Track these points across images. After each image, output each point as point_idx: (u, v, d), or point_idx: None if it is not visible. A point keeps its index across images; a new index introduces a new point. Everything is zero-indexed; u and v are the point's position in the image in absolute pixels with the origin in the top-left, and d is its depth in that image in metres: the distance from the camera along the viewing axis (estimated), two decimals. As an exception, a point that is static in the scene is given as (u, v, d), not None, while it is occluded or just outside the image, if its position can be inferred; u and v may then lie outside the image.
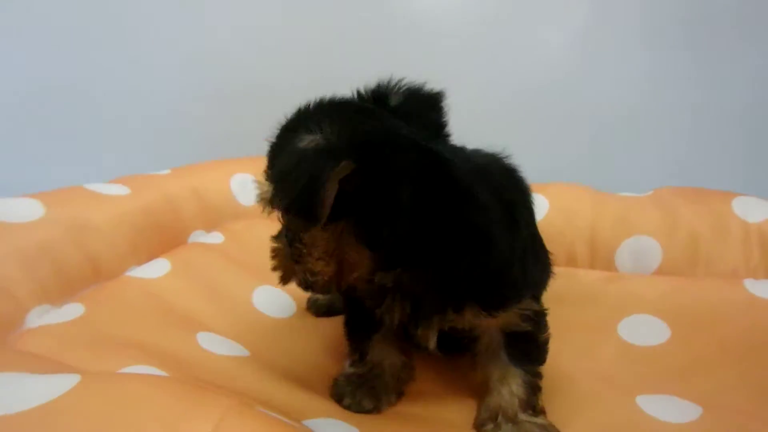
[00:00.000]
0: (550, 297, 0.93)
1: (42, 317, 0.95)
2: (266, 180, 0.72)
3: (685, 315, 1.12)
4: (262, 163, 0.75)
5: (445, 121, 0.83)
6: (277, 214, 0.74)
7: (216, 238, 1.34)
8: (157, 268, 1.16)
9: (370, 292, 0.79)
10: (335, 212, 0.64)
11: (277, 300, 1.17)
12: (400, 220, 0.68)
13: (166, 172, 1.41)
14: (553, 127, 1.77)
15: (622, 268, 1.30)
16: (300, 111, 0.74)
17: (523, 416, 0.83)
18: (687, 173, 1.64)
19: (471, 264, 0.73)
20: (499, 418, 0.83)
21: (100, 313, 0.98)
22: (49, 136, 1.87)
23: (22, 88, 1.83)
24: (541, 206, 1.34)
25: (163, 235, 1.27)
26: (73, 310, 0.97)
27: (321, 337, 1.08)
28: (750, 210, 1.26)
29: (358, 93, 0.80)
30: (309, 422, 0.80)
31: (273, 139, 0.74)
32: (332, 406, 0.89)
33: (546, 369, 0.87)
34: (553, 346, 0.88)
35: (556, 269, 0.99)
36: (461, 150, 0.83)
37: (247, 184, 1.45)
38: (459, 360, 0.94)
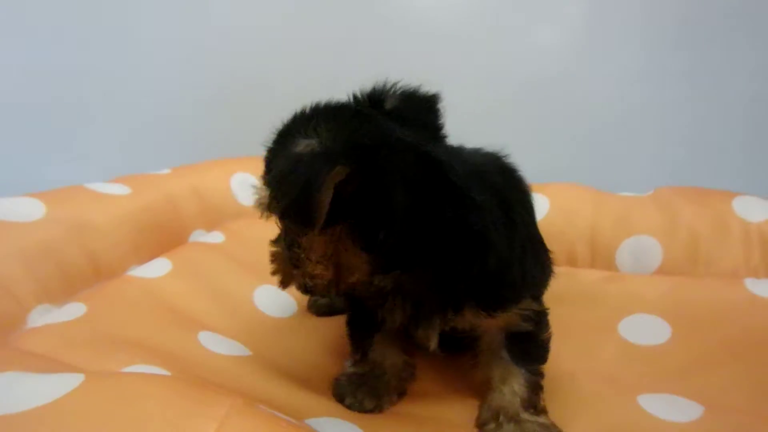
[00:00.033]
0: (550, 297, 0.93)
1: (43, 316, 0.96)
2: (263, 185, 0.72)
3: (685, 314, 1.12)
4: (262, 162, 0.75)
5: (441, 123, 0.83)
6: (275, 219, 0.75)
7: (216, 237, 1.34)
8: (158, 268, 1.16)
9: (370, 294, 0.79)
10: (332, 216, 0.64)
11: (278, 299, 1.17)
12: (395, 223, 0.67)
13: (167, 171, 1.42)
14: (549, 126, 1.77)
15: (622, 267, 1.30)
16: (296, 115, 0.74)
17: (524, 415, 0.83)
18: (684, 172, 1.64)
19: (468, 265, 0.73)
20: (501, 418, 0.83)
21: (101, 312, 0.98)
22: (49, 136, 1.87)
23: (22, 88, 1.82)
24: (542, 206, 1.34)
25: (163, 235, 1.27)
26: (74, 310, 0.97)
27: (321, 336, 1.08)
28: (750, 209, 1.26)
29: (354, 96, 0.79)
30: (311, 421, 0.80)
31: (270, 144, 0.74)
32: (333, 406, 0.89)
33: (547, 368, 0.87)
34: (553, 346, 0.88)
35: (557, 269, 0.99)
36: (459, 151, 0.83)
37: (247, 183, 1.45)
38: (460, 359, 0.94)
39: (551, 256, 0.96)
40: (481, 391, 0.89)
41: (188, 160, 1.51)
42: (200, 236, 1.36)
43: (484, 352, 0.87)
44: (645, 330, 1.10)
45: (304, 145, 0.66)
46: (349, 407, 0.89)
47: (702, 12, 1.62)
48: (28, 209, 1.07)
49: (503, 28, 1.72)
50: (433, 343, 0.82)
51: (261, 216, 0.74)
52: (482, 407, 0.87)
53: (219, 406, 0.57)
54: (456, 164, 0.72)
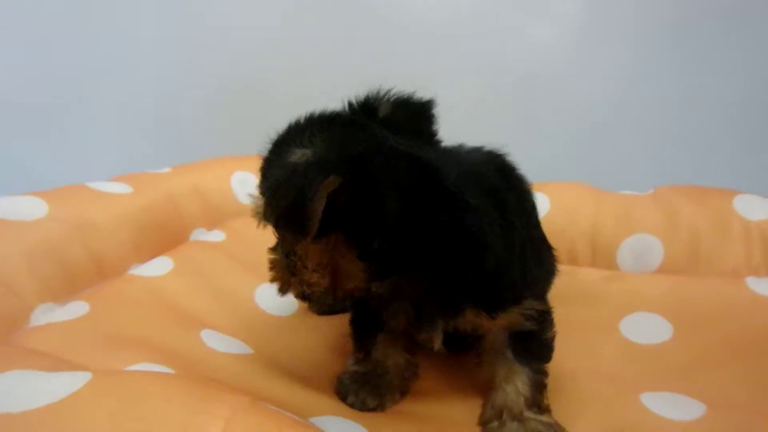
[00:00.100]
0: (551, 296, 0.93)
1: (46, 315, 0.96)
2: (260, 193, 0.73)
3: (686, 313, 1.12)
4: (259, 171, 0.76)
5: (435, 129, 0.83)
6: (271, 227, 0.75)
7: (217, 236, 1.34)
8: (160, 266, 1.16)
9: (372, 298, 0.80)
10: (326, 225, 0.65)
11: (279, 298, 1.15)
12: (389, 231, 0.68)
13: (167, 170, 1.41)
14: (549, 125, 1.78)
15: (623, 266, 1.30)
16: (291, 126, 0.74)
17: (528, 414, 0.83)
18: (684, 171, 1.64)
19: (465, 268, 0.73)
20: (504, 416, 0.83)
21: (104, 311, 0.98)
22: (49, 136, 1.87)
23: (22, 88, 1.82)
24: (542, 204, 1.34)
25: (164, 234, 1.27)
26: (77, 308, 0.97)
27: (322, 335, 1.08)
28: (751, 208, 1.26)
29: (349, 104, 0.79)
30: (313, 420, 0.80)
31: (265, 154, 0.75)
32: (336, 404, 0.89)
33: (549, 367, 0.87)
34: (555, 345, 0.88)
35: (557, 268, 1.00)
36: (455, 152, 0.83)
37: (247, 182, 1.45)
38: (463, 358, 0.94)
39: (555, 254, 0.96)
40: (484, 389, 0.89)
41: (188, 160, 1.51)
42: (201, 235, 1.36)
43: (488, 351, 0.87)
44: (646, 329, 1.10)
45: (298, 155, 0.66)
46: (352, 406, 0.89)
47: (702, 11, 1.62)
48: (30, 208, 1.07)
49: (502, 27, 1.72)
50: (437, 344, 0.82)
51: (258, 225, 0.75)
52: (485, 406, 0.87)
53: (225, 404, 0.57)
54: (449, 168, 0.72)
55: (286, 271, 0.77)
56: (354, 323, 0.95)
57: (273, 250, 0.82)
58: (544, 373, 0.86)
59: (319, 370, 0.98)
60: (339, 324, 1.05)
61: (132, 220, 1.19)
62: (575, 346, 1.02)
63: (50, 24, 1.78)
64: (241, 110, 1.83)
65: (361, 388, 0.90)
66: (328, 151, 0.67)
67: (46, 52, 1.80)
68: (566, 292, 1.10)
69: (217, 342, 0.97)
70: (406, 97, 0.81)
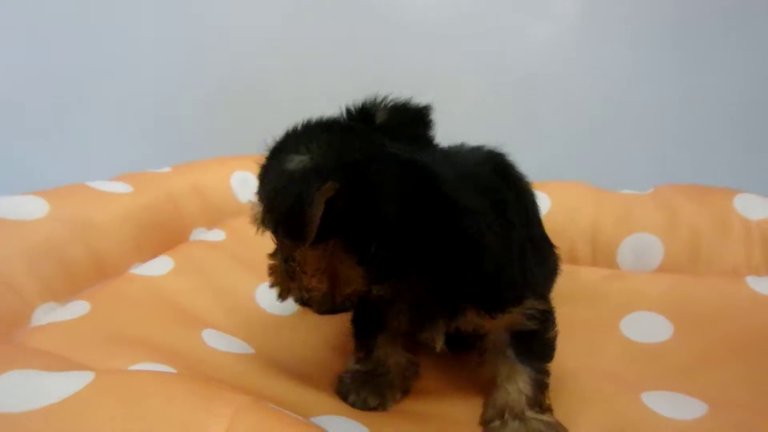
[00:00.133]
0: (552, 295, 0.93)
1: (48, 315, 0.95)
2: (258, 200, 0.74)
3: (687, 312, 1.12)
4: (263, 157, 0.77)
5: (432, 135, 0.84)
6: (270, 234, 0.76)
7: (217, 235, 1.34)
8: (161, 266, 1.16)
9: (373, 299, 0.80)
10: (324, 231, 0.65)
11: (279, 298, 1.16)
12: (386, 236, 0.69)
13: (167, 169, 1.41)
14: (548, 124, 1.78)
15: (623, 265, 1.31)
16: (288, 132, 0.75)
17: (529, 413, 0.83)
18: (683, 171, 1.64)
19: (464, 270, 0.74)
20: (506, 415, 0.83)
21: (105, 310, 0.98)
22: (49, 136, 1.87)
23: (22, 87, 1.82)
24: (543, 204, 1.34)
25: (165, 233, 1.27)
26: (78, 308, 0.97)
27: (323, 334, 1.08)
28: (751, 207, 1.26)
29: (346, 110, 0.80)
30: (315, 419, 0.80)
31: (263, 161, 0.76)
32: (337, 403, 0.89)
33: (550, 367, 0.87)
34: (557, 344, 0.88)
35: (558, 267, 1.00)
36: (453, 153, 0.84)
37: (247, 181, 1.45)
38: (465, 357, 0.94)
39: (557, 250, 0.96)
40: (485, 389, 0.89)
41: (188, 159, 1.51)
42: (201, 234, 1.36)
43: (490, 351, 0.86)
44: (647, 328, 1.10)
45: (296, 162, 0.67)
46: (353, 405, 0.89)
47: (702, 11, 1.62)
48: (31, 208, 1.06)
49: (502, 27, 1.72)
50: (439, 345, 0.82)
51: (257, 231, 0.76)
52: (487, 405, 0.87)
53: (229, 403, 0.57)
54: (446, 171, 0.73)
55: (286, 277, 0.78)
56: (355, 322, 0.95)
57: (272, 255, 0.83)
58: (546, 373, 0.86)
59: (320, 369, 0.98)
60: (340, 323, 1.05)
61: (132, 219, 1.19)
62: (576, 346, 1.02)
63: (50, 24, 1.78)
64: (241, 110, 1.83)
65: (362, 387, 0.90)
66: (326, 158, 0.67)
67: (46, 52, 1.80)
68: (567, 292, 1.10)
69: (218, 341, 0.97)
70: (403, 102, 0.81)
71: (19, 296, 0.94)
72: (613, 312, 1.15)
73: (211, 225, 1.40)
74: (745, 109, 1.68)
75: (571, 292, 1.16)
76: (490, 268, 0.74)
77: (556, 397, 0.87)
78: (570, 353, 0.96)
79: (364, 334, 0.93)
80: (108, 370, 0.68)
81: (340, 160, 0.67)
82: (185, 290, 1.10)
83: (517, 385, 0.84)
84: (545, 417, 0.83)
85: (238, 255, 1.25)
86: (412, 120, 0.81)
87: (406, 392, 0.94)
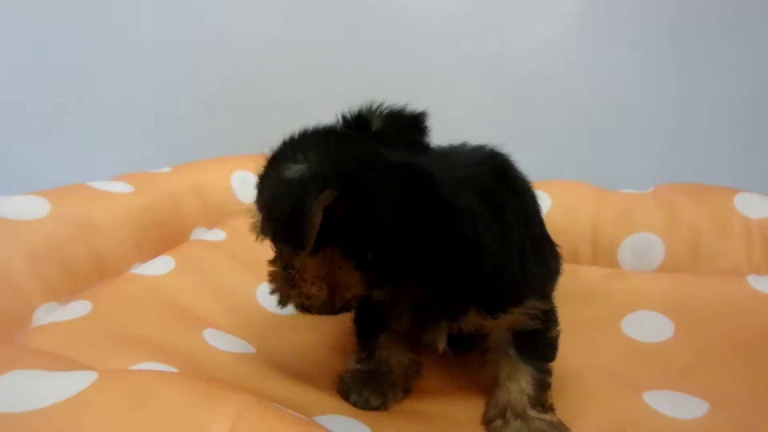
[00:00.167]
0: (553, 294, 0.93)
1: (49, 314, 0.96)
2: (257, 209, 0.75)
3: (688, 311, 1.12)
4: (262, 160, 0.77)
5: (428, 141, 0.84)
6: (269, 242, 0.77)
7: (218, 235, 1.34)
8: (161, 265, 1.16)
9: (375, 303, 0.81)
10: (323, 238, 0.66)
11: (281, 298, 1.16)
12: (384, 241, 0.69)
13: (167, 169, 1.41)
14: (548, 124, 1.77)
15: (624, 264, 1.31)
16: (286, 142, 0.76)
17: (531, 413, 0.83)
18: (683, 170, 1.64)
19: (463, 273, 0.74)
20: (508, 415, 0.83)
21: (106, 310, 0.98)
22: (50, 135, 1.87)
23: (22, 87, 1.82)
24: (544, 203, 1.34)
25: (165, 233, 1.27)
26: (79, 308, 0.97)
27: (324, 333, 1.08)
28: (752, 206, 1.26)
29: (342, 118, 0.81)
30: (317, 419, 0.80)
31: (261, 170, 0.76)
32: (338, 403, 0.89)
33: (552, 366, 0.87)
34: (558, 344, 0.88)
35: (559, 266, 1.00)
36: (451, 155, 0.84)
37: (247, 181, 1.45)
38: (467, 357, 0.94)
39: (559, 249, 0.96)
40: (487, 388, 0.89)
41: (188, 160, 1.51)
42: (201, 234, 1.36)
43: (492, 350, 0.86)
44: (648, 327, 1.10)
45: (294, 170, 0.68)
46: (354, 405, 0.89)
47: (702, 11, 1.62)
48: (32, 207, 1.06)
49: (502, 27, 1.72)
50: (442, 346, 0.82)
51: (256, 239, 0.77)
52: (489, 404, 0.87)
53: (232, 403, 0.58)
54: (442, 175, 0.73)
55: (286, 284, 0.79)
56: (357, 322, 0.95)
57: (272, 262, 0.83)
58: (548, 372, 0.86)
59: (321, 368, 0.98)
60: (340, 323, 1.05)
61: (133, 219, 1.19)
62: (577, 345, 1.02)
63: (50, 24, 1.78)
64: (241, 110, 1.83)
65: (364, 386, 0.90)
66: (323, 166, 0.68)
67: (46, 52, 1.80)
68: (567, 291, 1.10)
69: (219, 341, 0.97)
70: (398, 109, 0.82)
71: (20, 296, 0.94)
72: (614, 311, 1.15)
73: (211, 225, 1.40)
74: (745, 109, 1.68)
75: (572, 292, 1.15)
76: (489, 269, 0.74)
77: (558, 396, 0.88)
78: (571, 352, 0.97)
79: (366, 334, 0.94)
80: (111, 370, 0.68)
81: (337, 167, 0.68)
82: (186, 290, 1.10)
83: (519, 385, 0.84)
84: (547, 416, 0.84)
85: (239, 255, 1.25)
86: (407, 127, 0.82)
87: (407, 392, 0.94)
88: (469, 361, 0.94)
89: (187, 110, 1.85)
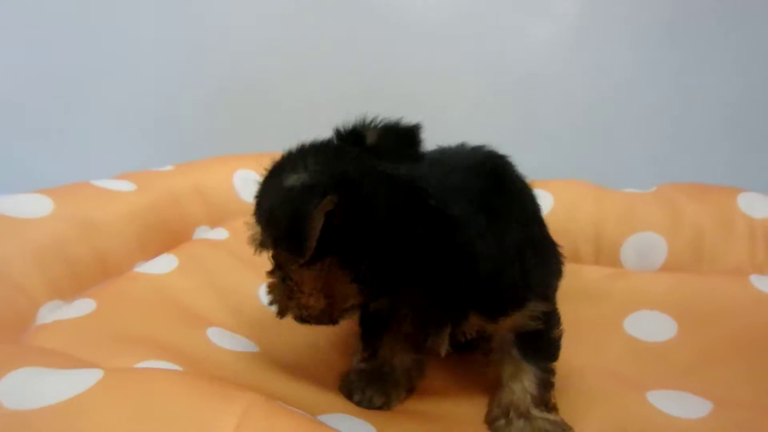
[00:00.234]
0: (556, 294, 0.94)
1: (54, 313, 0.95)
2: (255, 222, 0.76)
3: (690, 311, 1.12)
4: (264, 159, 0.78)
5: (422, 154, 0.85)
6: (267, 255, 0.79)
7: (220, 234, 1.34)
8: (165, 264, 1.15)
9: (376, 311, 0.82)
10: (321, 248, 0.67)
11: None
12: (379, 252, 0.71)
13: (170, 168, 1.41)
14: (549, 124, 1.77)
15: (626, 264, 1.31)
16: (283, 156, 0.77)
17: (535, 412, 0.83)
18: (681, 171, 1.64)
19: (457, 280, 0.74)
20: (511, 414, 0.83)
21: (111, 308, 0.97)
22: (50, 135, 1.87)
23: (22, 87, 1.82)
24: (546, 202, 1.35)
25: (168, 231, 1.27)
26: (84, 306, 0.97)
27: (327, 333, 1.08)
28: (755, 206, 1.26)
29: (336, 133, 0.81)
30: (320, 417, 0.80)
31: (259, 184, 0.77)
32: (342, 402, 0.89)
33: (555, 365, 0.87)
34: (562, 343, 0.88)
35: (561, 266, 1.00)
36: (446, 160, 0.84)
37: (249, 180, 1.45)
38: (470, 357, 0.94)
39: (561, 249, 0.96)
40: (490, 388, 0.89)
41: (189, 160, 1.51)
42: (204, 233, 1.36)
43: (495, 350, 0.87)
44: (650, 326, 1.10)
45: (294, 179, 0.69)
46: (358, 404, 0.89)
47: (702, 10, 1.62)
48: (36, 206, 1.06)
49: (502, 27, 1.72)
50: (443, 350, 0.82)
51: (255, 252, 0.79)
52: (492, 404, 0.87)
53: (238, 401, 0.57)
54: (435, 184, 0.74)
55: (284, 296, 0.80)
56: (362, 322, 0.95)
57: (270, 273, 0.84)
58: (552, 372, 0.86)
59: (324, 367, 0.98)
60: (344, 322, 1.04)
61: (137, 218, 1.19)
62: (580, 344, 1.02)
63: (50, 24, 1.78)
64: (241, 110, 1.83)
65: (367, 386, 0.90)
66: (323, 174, 0.69)
67: (46, 52, 1.80)
68: (570, 290, 1.10)
69: (223, 339, 0.97)
70: (393, 123, 0.83)
71: (24, 294, 0.94)
72: (616, 311, 1.15)
73: (213, 224, 1.39)
74: (745, 109, 1.68)
75: (574, 291, 1.16)
76: (486, 274, 0.75)
77: (560, 395, 0.88)
78: (574, 352, 0.97)
79: (370, 334, 0.94)
80: (116, 368, 0.68)
81: (336, 176, 0.69)
82: (189, 288, 1.10)
83: (522, 384, 0.84)
84: (550, 416, 0.84)
85: (241, 253, 1.24)
86: (401, 140, 0.82)
87: (411, 391, 0.94)
88: (472, 362, 0.94)
89: (187, 110, 1.85)
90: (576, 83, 1.73)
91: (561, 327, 0.88)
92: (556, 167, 1.51)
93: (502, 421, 0.84)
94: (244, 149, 1.54)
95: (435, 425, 0.86)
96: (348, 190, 0.68)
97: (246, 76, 1.81)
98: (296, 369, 0.94)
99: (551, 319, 0.86)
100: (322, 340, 1.05)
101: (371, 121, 0.81)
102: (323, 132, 0.82)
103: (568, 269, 1.02)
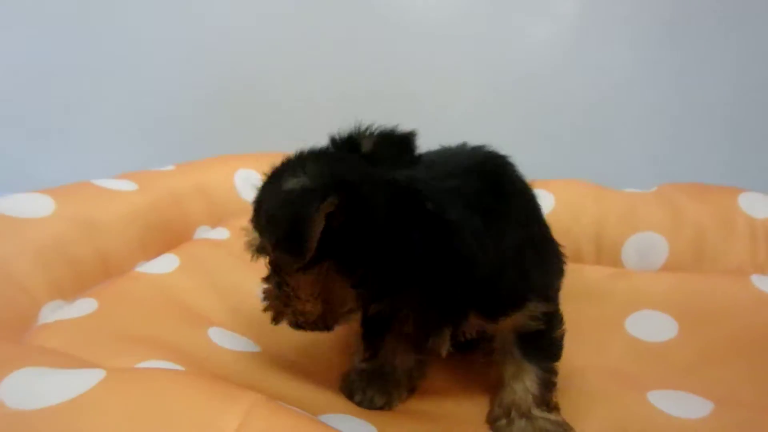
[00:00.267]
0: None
1: (55, 312, 0.95)
2: (253, 228, 0.76)
3: (691, 310, 1.11)
4: (265, 159, 0.78)
5: (418, 158, 0.85)
6: (264, 261, 0.79)
7: (221, 233, 1.34)
8: (166, 264, 1.15)
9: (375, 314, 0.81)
10: (319, 252, 0.66)
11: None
12: (376, 257, 0.71)
13: (171, 167, 1.41)
14: (549, 124, 1.77)
15: (628, 264, 1.30)
16: (282, 162, 0.77)
17: (536, 412, 0.83)
18: (681, 171, 1.64)
19: (455, 283, 0.74)
20: (513, 414, 0.83)
21: (112, 308, 0.97)
22: (51, 135, 1.87)
23: (22, 87, 1.82)
24: (547, 202, 1.34)
25: (169, 231, 1.27)
26: (85, 306, 0.97)
27: (328, 333, 1.08)
28: (756, 206, 1.26)
29: (332, 140, 0.82)
30: (321, 417, 0.80)
31: (258, 190, 0.77)
32: (343, 402, 0.89)
33: (557, 365, 0.87)
34: (563, 343, 0.88)
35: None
36: (443, 162, 0.84)
37: (250, 180, 1.45)
38: (471, 357, 0.94)
39: (563, 248, 0.96)
40: (492, 388, 0.89)
41: (188, 159, 1.51)
42: (205, 232, 1.36)
43: (497, 351, 0.87)
44: (652, 326, 1.10)
45: (293, 182, 0.68)
46: (359, 404, 0.89)
47: (702, 10, 1.63)
48: (38, 206, 1.07)
49: (502, 27, 1.72)
50: (444, 351, 0.82)
51: (252, 258, 0.79)
52: (493, 404, 0.87)
53: (241, 401, 0.58)
54: (431, 188, 0.74)
55: (279, 302, 0.80)
56: (364, 323, 0.94)
57: (266, 279, 0.84)
58: (553, 372, 0.86)
59: (325, 367, 0.98)
60: (337, 327, 1.05)
61: (138, 217, 1.19)
62: (581, 344, 1.01)
63: (50, 24, 1.78)
64: (241, 110, 1.83)
65: (368, 386, 0.90)
66: (322, 177, 0.69)
67: (46, 52, 1.80)
68: (571, 290, 1.10)
69: (224, 339, 0.97)
70: (388, 131, 0.83)
71: (26, 294, 0.94)
72: (618, 310, 1.15)
73: (215, 223, 1.40)
74: (745, 109, 1.69)
75: (575, 291, 1.15)
76: (483, 276, 0.75)
77: (561, 395, 0.88)
78: (575, 352, 0.96)
79: (372, 335, 0.93)
80: (118, 368, 0.68)
81: (335, 180, 0.69)
82: (190, 288, 1.10)
83: (523, 384, 0.84)
84: (552, 416, 0.84)
85: (242, 253, 1.24)
86: (397, 147, 0.82)
87: (412, 391, 0.94)
88: (473, 361, 0.94)
89: (188, 110, 1.85)
90: (576, 83, 1.73)
91: (563, 327, 0.87)
92: (557, 167, 1.51)
93: (503, 421, 0.84)
94: (245, 149, 1.54)
95: (436, 425, 0.86)
96: (348, 192, 0.67)
97: (246, 76, 1.81)
98: (297, 369, 0.94)
99: (553, 319, 0.86)
100: (323, 340, 1.05)
101: (366, 129, 0.81)
102: (323, 132, 0.82)
103: (570, 269, 1.02)
